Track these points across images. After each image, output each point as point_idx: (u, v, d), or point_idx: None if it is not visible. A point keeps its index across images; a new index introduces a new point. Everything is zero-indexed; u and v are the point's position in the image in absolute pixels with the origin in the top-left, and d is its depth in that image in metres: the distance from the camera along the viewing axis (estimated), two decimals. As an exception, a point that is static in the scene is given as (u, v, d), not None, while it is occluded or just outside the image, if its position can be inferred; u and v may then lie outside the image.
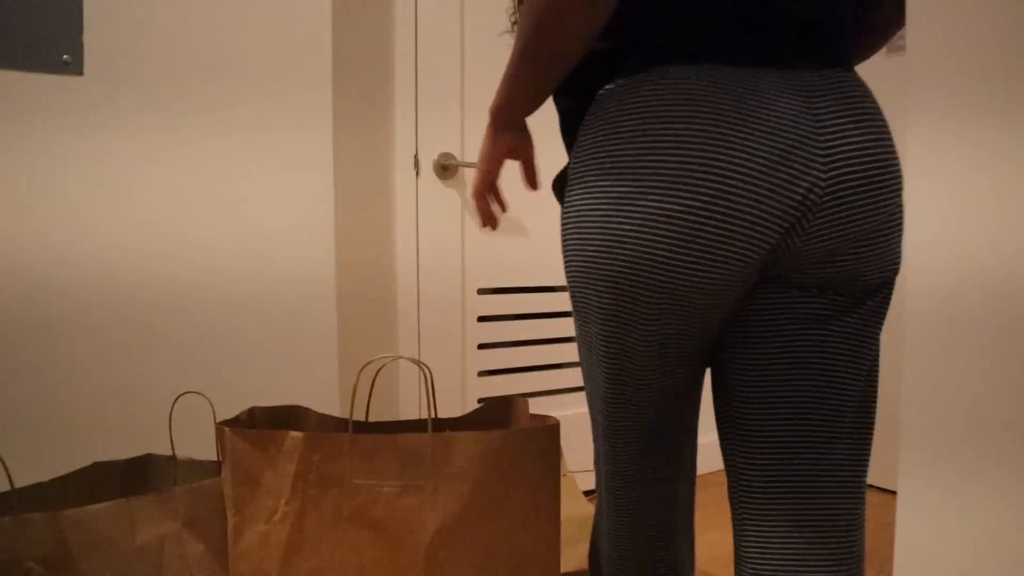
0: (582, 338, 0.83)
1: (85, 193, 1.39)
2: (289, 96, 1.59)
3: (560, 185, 0.87)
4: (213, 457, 1.46)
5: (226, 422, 0.97)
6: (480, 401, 2.04)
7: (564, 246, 0.77)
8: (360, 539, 0.91)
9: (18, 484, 1.00)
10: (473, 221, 2.01)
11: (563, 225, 0.76)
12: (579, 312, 0.80)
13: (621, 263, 0.69)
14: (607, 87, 0.73)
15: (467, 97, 1.98)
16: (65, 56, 1.35)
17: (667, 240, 0.67)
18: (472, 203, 1.04)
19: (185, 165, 1.48)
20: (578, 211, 0.72)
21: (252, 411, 1.05)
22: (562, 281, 2.13)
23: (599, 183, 0.70)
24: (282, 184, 1.60)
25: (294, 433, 0.92)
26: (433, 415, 1.05)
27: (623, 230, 0.68)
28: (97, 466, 1.11)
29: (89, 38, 1.37)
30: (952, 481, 1.17)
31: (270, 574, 0.92)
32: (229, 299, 1.54)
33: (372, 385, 1.09)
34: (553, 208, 2.12)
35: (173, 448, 1.15)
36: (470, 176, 2.00)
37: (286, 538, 0.92)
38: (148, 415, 1.45)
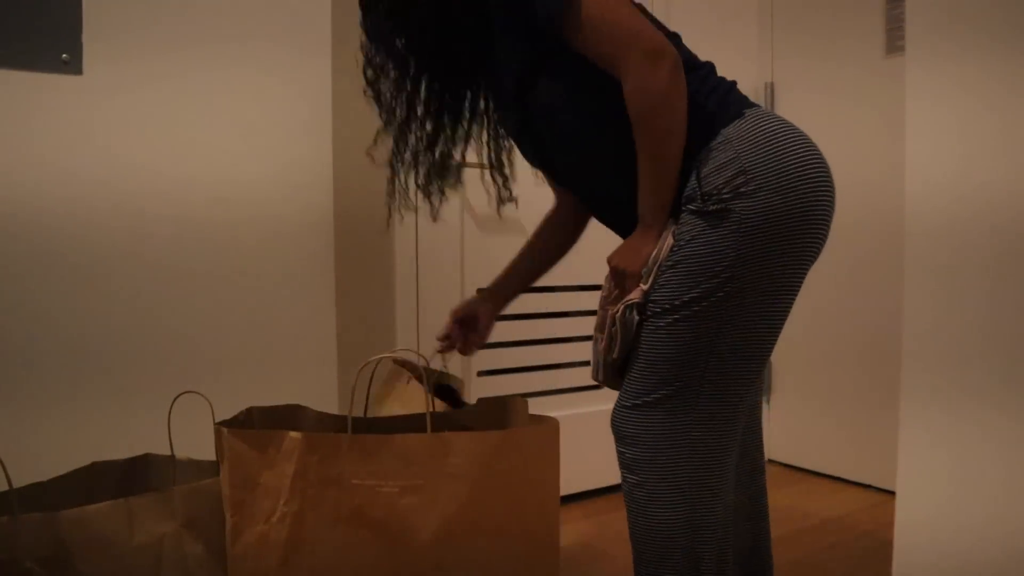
0: (734, 339, 1.02)
1: (81, 195, 1.39)
2: (287, 97, 1.59)
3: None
4: (212, 457, 1.46)
5: (224, 422, 0.97)
6: (479, 401, 2.04)
7: (757, 239, 0.98)
8: (359, 539, 0.91)
9: (17, 484, 1.00)
10: (473, 221, 2.00)
11: (802, 197, 0.98)
12: (785, 295, 1.03)
13: (826, 216, 1.01)
14: (731, 132, 1.01)
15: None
16: (64, 55, 1.35)
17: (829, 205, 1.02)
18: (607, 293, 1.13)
19: (183, 166, 1.48)
20: (808, 188, 0.99)
21: (250, 411, 1.04)
22: (561, 281, 2.12)
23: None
24: (281, 182, 1.60)
25: (292, 433, 0.92)
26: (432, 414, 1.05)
27: (826, 198, 1.01)
28: (96, 466, 1.10)
29: (88, 37, 1.37)
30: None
31: (269, 574, 0.92)
32: (228, 297, 1.54)
33: (370, 384, 1.09)
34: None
35: (172, 448, 1.15)
36: (469, 176, 2.00)
37: (285, 538, 0.92)
38: (148, 415, 1.45)
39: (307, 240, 1.63)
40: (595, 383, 2.17)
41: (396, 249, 1.90)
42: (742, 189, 0.97)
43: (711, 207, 0.99)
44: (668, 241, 1.03)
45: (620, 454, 1.07)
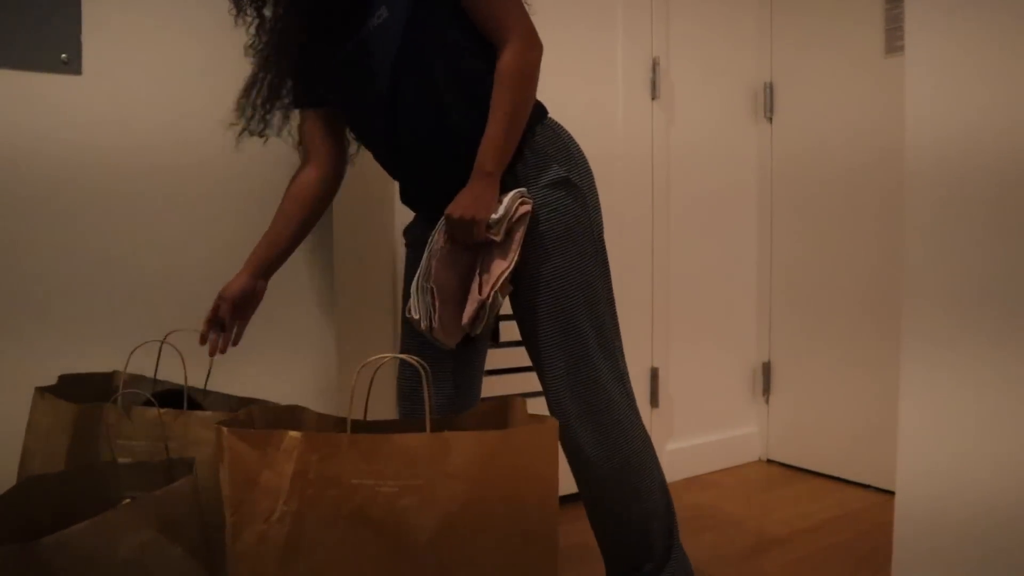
0: (604, 270, 1.25)
1: (79, 192, 1.39)
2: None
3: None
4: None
5: (224, 422, 0.97)
6: (479, 401, 2.04)
7: (591, 198, 1.24)
8: (358, 539, 0.91)
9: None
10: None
11: (587, 184, 1.23)
12: (601, 243, 1.25)
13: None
14: (548, 121, 1.24)
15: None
16: (63, 55, 1.35)
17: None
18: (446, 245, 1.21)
19: (182, 154, 1.48)
20: (588, 173, 1.25)
21: (250, 411, 1.04)
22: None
23: (585, 167, 1.26)
24: (281, 184, 1.60)
25: (292, 433, 0.92)
26: (431, 415, 1.05)
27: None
28: (29, 483, 1.04)
29: (88, 38, 1.37)
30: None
31: (268, 574, 0.92)
32: (228, 299, 1.54)
33: (370, 384, 1.09)
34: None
35: (113, 453, 1.11)
36: (469, 176, 2.00)
37: (284, 538, 0.92)
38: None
39: (305, 242, 1.63)
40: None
41: (396, 249, 1.90)
42: (573, 173, 1.20)
43: (570, 182, 1.19)
44: (523, 207, 1.13)
45: (602, 428, 1.20)
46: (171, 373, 1.42)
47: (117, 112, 1.41)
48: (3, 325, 1.32)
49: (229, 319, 1.27)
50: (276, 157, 1.59)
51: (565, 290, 1.19)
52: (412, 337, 1.33)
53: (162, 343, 1.36)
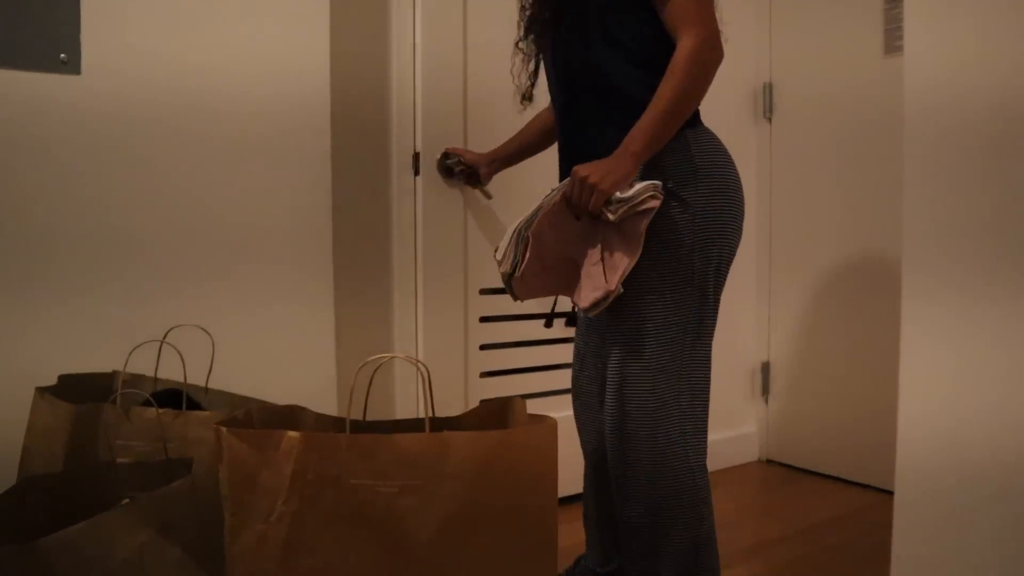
0: (690, 300, 1.21)
1: (77, 199, 1.39)
2: (286, 113, 1.59)
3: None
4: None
5: (223, 422, 0.97)
6: (480, 402, 2.04)
7: (735, 216, 1.25)
8: (358, 539, 0.91)
9: None
10: (474, 220, 2.01)
11: (704, 208, 1.20)
12: (724, 269, 1.25)
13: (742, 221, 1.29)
14: (691, 133, 1.22)
15: (470, 95, 1.98)
16: (62, 55, 1.35)
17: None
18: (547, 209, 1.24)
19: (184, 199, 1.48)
20: (717, 198, 1.22)
21: (249, 411, 1.04)
22: (561, 281, 2.12)
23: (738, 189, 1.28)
24: (280, 181, 1.60)
25: (291, 433, 0.92)
26: (431, 415, 1.05)
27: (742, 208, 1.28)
28: (30, 481, 1.04)
29: (87, 38, 1.37)
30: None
31: (267, 574, 0.92)
32: (228, 297, 1.54)
33: (370, 384, 1.09)
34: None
35: (112, 454, 1.11)
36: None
37: (283, 538, 0.92)
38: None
39: (305, 239, 1.63)
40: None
41: (395, 249, 1.90)
42: (687, 190, 1.19)
43: (677, 196, 1.18)
44: (652, 200, 1.10)
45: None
46: (173, 371, 1.42)
47: (117, 112, 1.41)
48: (3, 325, 1.32)
49: (464, 172, 1.78)
50: (273, 158, 1.59)
51: (631, 298, 1.20)
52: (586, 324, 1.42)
53: (162, 342, 1.36)
